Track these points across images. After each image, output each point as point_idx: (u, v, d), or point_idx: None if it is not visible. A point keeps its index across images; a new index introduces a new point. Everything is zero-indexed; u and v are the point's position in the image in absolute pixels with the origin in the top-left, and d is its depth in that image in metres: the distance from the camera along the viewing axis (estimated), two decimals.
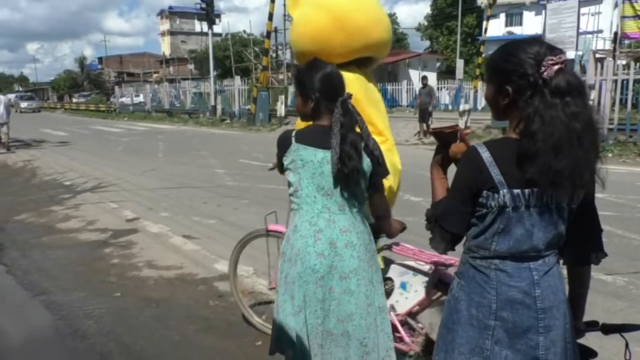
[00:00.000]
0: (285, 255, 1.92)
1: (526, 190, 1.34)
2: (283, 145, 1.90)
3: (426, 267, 2.37)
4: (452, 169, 1.56)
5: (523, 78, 1.33)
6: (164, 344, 3.05)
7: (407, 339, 2.35)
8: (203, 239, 5.20)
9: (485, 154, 1.37)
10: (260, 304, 3.47)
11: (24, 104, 42.37)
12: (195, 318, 3.38)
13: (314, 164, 1.84)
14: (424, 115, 14.06)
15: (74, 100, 51.00)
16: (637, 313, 3.33)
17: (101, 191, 7.90)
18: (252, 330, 3.15)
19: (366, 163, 1.85)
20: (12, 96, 58.34)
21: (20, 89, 75.84)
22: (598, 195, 1.44)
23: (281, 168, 1.96)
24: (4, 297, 3.91)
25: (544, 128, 1.28)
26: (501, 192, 1.35)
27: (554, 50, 1.34)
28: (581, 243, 1.46)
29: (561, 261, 1.48)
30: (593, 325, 1.58)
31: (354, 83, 2.29)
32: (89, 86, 60.35)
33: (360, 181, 1.84)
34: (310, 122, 1.95)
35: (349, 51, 2.44)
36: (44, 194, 7.72)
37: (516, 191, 1.34)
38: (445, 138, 1.57)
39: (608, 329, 1.57)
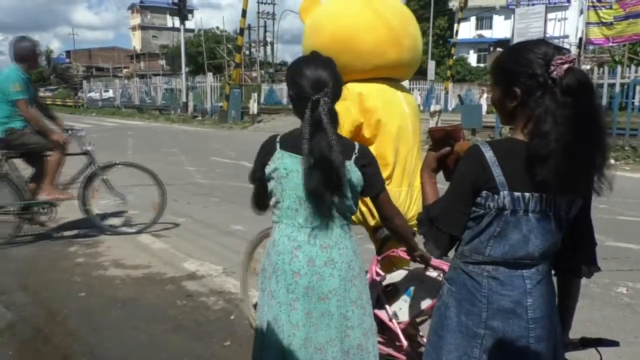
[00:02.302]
0: (266, 272, 1.78)
1: (527, 194, 1.32)
2: (266, 150, 1.74)
3: (434, 274, 2.21)
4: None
5: (532, 78, 1.31)
6: (130, 345, 3.00)
7: (407, 348, 2.22)
8: (172, 238, 5.13)
9: (489, 153, 1.33)
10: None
11: None
12: (162, 318, 3.33)
13: (298, 173, 1.66)
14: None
15: (40, 94, 49.50)
16: (597, 311, 3.44)
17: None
18: (220, 330, 3.13)
19: (355, 176, 1.68)
20: None
21: None
22: None
23: (254, 176, 1.80)
24: None
25: (556, 128, 1.25)
26: (501, 193, 1.32)
27: (561, 50, 1.33)
28: (573, 254, 1.44)
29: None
30: (575, 343, 1.55)
31: (371, 94, 2.29)
32: (56, 80, 58.70)
33: (346, 192, 1.67)
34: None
35: (356, 71, 2.33)
36: None
37: (517, 194, 1.31)
38: (445, 137, 1.53)
39: (586, 343, 1.55)
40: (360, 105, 2.30)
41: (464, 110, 14.66)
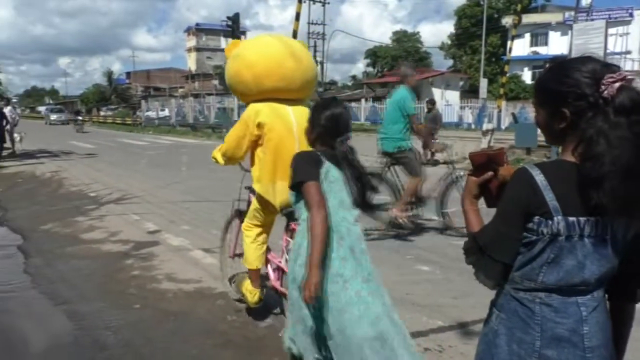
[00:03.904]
0: (298, 261, 2.08)
1: (582, 219, 1.25)
2: (318, 163, 2.11)
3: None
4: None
5: (581, 99, 1.25)
6: (181, 358, 3.06)
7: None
8: None
9: (539, 177, 1.27)
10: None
11: (53, 117, 43.47)
12: (212, 333, 3.38)
13: (340, 181, 2.14)
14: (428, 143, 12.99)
15: (102, 113, 52.17)
16: None
17: (125, 203, 8.03)
18: (269, 347, 3.14)
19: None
20: (43, 109, 60.03)
21: (51, 101, 78.12)
22: None
23: (315, 176, 2.09)
24: (28, 305, 3.97)
25: (610, 150, 1.19)
26: (555, 218, 1.25)
27: (611, 67, 1.26)
28: (630, 278, 1.36)
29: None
30: None
31: (262, 111, 3.10)
32: (117, 100, 61.73)
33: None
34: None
35: (253, 94, 3.22)
36: (69, 205, 7.88)
37: (571, 219, 1.25)
38: (487, 162, 1.46)
39: None
40: (256, 117, 3.10)
41: (518, 129, 14.25)
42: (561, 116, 1.29)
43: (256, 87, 3.16)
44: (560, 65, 1.33)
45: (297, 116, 3.12)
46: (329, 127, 2.18)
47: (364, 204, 2.21)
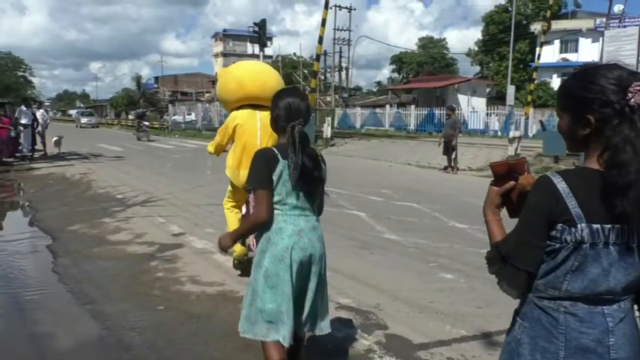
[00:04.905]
0: (266, 253, 2.24)
1: (606, 226, 1.24)
2: (273, 162, 2.20)
3: None
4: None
5: (607, 106, 1.24)
6: None
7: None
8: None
9: (561, 184, 1.26)
10: None
11: (84, 120, 44.56)
12: (234, 336, 3.36)
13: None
14: (448, 149, 12.80)
15: (130, 117, 53.21)
16: None
17: (151, 205, 8.16)
18: None
19: (323, 171, 2.33)
20: (73, 112, 61.63)
21: (82, 105, 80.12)
22: None
23: (265, 184, 2.21)
24: (56, 304, 4.06)
25: (637, 158, 1.19)
26: (579, 226, 1.24)
27: (637, 75, 1.25)
28: None
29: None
30: None
31: (238, 116, 4.25)
32: (145, 104, 62.83)
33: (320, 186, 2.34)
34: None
35: (233, 101, 4.36)
36: (97, 206, 8.04)
37: (595, 226, 1.24)
38: (508, 171, 1.45)
39: None
40: (233, 122, 4.26)
41: (546, 137, 14.00)
42: (585, 123, 1.28)
43: (237, 94, 4.28)
44: (585, 72, 1.32)
45: (262, 118, 4.15)
46: (282, 114, 2.28)
47: (309, 182, 2.25)
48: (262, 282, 2.24)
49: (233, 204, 4.53)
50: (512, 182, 1.45)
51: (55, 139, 16.40)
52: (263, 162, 2.22)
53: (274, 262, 2.22)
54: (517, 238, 1.34)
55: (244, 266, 4.52)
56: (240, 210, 4.51)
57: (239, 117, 4.25)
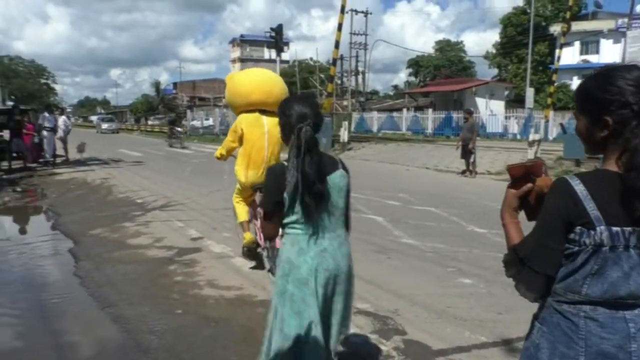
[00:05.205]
0: (289, 277, 2.09)
1: (627, 229, 1.22)
2: (282, 178, 2.02)
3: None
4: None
5: (626, 107, 1.23)
6: None
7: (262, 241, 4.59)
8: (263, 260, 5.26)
9: (579, 187, 1.25)
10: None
11: (104, 125, 45.17)
12: (252, 340, 3.40)
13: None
14: (465, 153, 12.66)
15: (149, 122, 53.89)
16: None
17: (170, 210, 8.24)
18: None
19: (340, 174, 2.14)
20: (94, 118, 62.73)
21: (102, 111, 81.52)
22: None
23: (275, 206, 2.07)
24: (78, 307, 4.12)
25: None
26: (598, 229, 1.23)
27: None
28: None
29: None
30: None
31: (245, 119, 4.61)
32: (164, 109, 63.57)
33: (339, 196, 2.13)
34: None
35: (242, 106, 4.66)
36: (117, 211, 8.15)
37: (615, 229, 1.23)
38: (525, 174, 1.43)
39: None
40: (240, 125, 4.61)
41: (566, 140, 13.77)
42: (604, 124, 1.27)
43: (246, 99, 4.60)
44: (603, 73, 1.31)
45: (269, 123, 4.55)
46: (289, 121, 2.12)
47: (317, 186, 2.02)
48: (289, 307, 2.09)
49: (240, 199, 4.86)
50: (529, 185, 1.43)
51: (79, 145, 16.74)
52: (272, 180, 2.09)
53: (299, 287, 2.07)
54: (534, 241, 1.34)
55: (252, 254, 4.86)
56: (247, 205, 4.88)
57: (247, 120, 4.59)
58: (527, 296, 1.37)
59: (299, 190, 1.98)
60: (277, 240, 4.12)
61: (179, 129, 25.53)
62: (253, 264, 4.99)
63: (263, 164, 4.56)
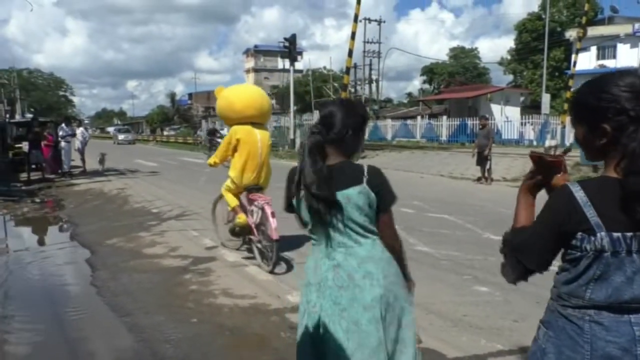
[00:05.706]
0: (312, 286, 1.94)
1: (628, 234, 1.23)
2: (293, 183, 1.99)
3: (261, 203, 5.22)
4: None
5: (622, 114, 1.24)
6: None
7: (256, 234, 5.38)
8: (278, 269, 5.26)
9: (580, 194, 1.27)
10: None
11: (121, 136, 45.82)
12: (266, 349, 3.40)
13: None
14: (481, 160, 12.56)
15: (165, 133, 54.48)
16: None
17: (185, 219, 8.30)
18: None
19: (359, 191, 1.87)
20: (111, 129, 63.68)
21: (119, 122, 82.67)
22: None
23: (287, 207, 2.07)
24: (94, 316, 4.16)
25: None
26: (598, 235, 1.24)
27: None
28: None
29: None
30: None
31: (239, 131, 5.36)
32: (179, 120, 64.29)
33: (357, 211, 1.87)
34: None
35: (235, 119, 5.47)
36: (133, 221, 8.24)
37: (616, 234, 1.23)
38: (547, 166, 1.47)
39: None
40: (234, 135, 5.35)
41: None
42: (602, 132, 1.29)
43: (239, 115, 5.39)
44: (597, 81, 1.33)
45: (260, 134, 5.47)
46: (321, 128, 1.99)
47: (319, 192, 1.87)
48: (304, 326, 1.96)
49: (229, 192, 5.58)
50: (538, 177, 1.47)
51: (100, 157, 17.07)
52: (287, 183, 2.03)
53: (309, 314, 1.94)
54: (527, 236, 1.38)
55: (240, 234, 5.66)
56: (236, 195, 5.60)
57: (240, 131, 5.35)
58: (506, 277, 1.43)
59: (299, 187, 1.93)
60: (273, 231, 4.94)
61: (219, 140, 24.84)
62: (236, 241, 5.95)
63: (257, 168, 5.44)
